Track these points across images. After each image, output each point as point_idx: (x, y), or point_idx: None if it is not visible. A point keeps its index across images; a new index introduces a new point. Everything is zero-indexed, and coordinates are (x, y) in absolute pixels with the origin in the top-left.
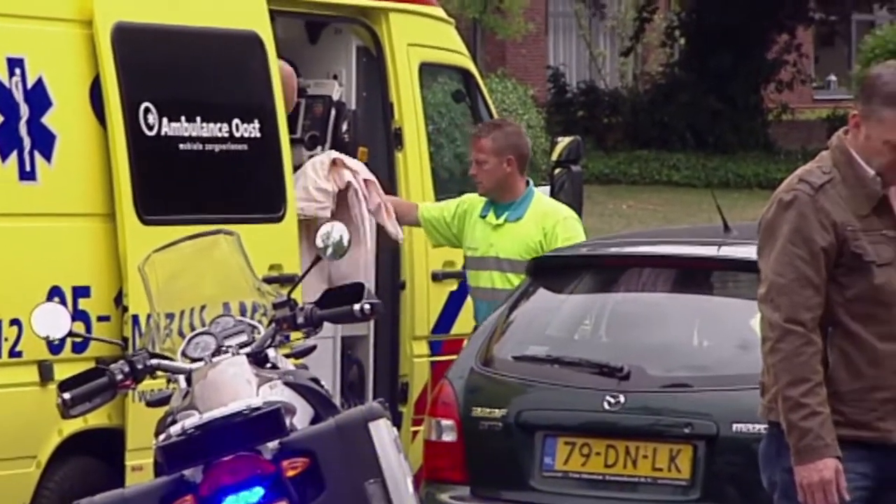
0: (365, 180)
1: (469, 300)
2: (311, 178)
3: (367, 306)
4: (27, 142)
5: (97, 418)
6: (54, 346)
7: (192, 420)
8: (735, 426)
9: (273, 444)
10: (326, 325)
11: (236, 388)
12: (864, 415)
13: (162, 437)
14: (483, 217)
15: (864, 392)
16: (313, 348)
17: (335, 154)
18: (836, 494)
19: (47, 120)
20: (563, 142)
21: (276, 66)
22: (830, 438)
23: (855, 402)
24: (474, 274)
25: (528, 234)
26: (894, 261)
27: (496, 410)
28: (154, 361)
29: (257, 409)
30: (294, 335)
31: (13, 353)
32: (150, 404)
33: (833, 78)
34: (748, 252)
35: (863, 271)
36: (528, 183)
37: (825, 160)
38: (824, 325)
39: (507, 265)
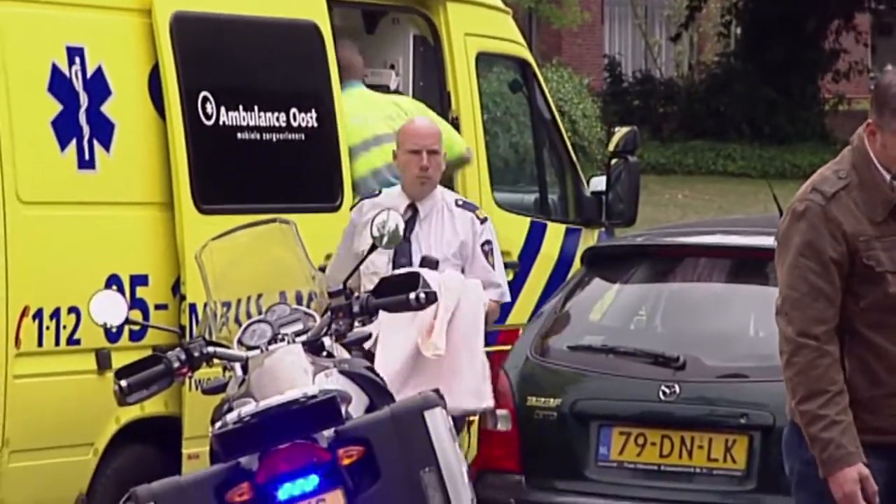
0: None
1: (525, 289)
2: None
3: (422, 295)
4: (86, 130)
5: (154, 406)
6: (112, 334)
7: (248, 408)
8: None
9: (329, 433)
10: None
11: (292, 376)
12: (885, 420)
13: (218, 424)
14: None
15: (883, 398)
16: (369, 336)
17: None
18: (861, 502)
19: (106, 109)
20: (620, 132)
21: (334, 56)
22: (854, 446)
23: (875, 409)
24: None
25: None
26: None
27: (551, 400)
28: (210, 349)
29: (313, 397)
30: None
31: (71, 341)
32: (206, 392)
33: (890, 67)
34: None
35: (876, 281)
36: None
37: (845, 161)
38: (841, 334)
39: None
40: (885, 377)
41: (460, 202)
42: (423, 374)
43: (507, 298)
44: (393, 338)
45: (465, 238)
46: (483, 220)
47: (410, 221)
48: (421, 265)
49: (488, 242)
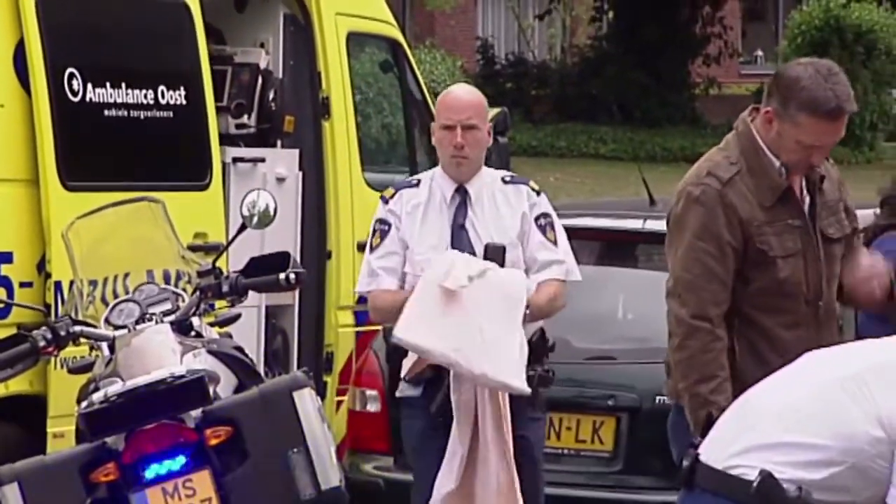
0: None
1: None
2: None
3: (292, 275)
4: None
5: (18, 385)
6: None
7: (114, 387)
8: (658, 399)
9: (196, 413)
10: (252, 293)
11: (160, 355)
12: None
13: (84, 404)
14: None
15: None
16: (238, 317)
17: None
18: None
19: None
20: (490, 113)
21: (203, 33)
22: None
23: None
24: None
25: None
26: (798, 251)
27: None
28: (77, 328)
29: (181, 377)
30: (218, 303)
31: None
32: (72, 371)
33: (760, 53)
34: None
35: (767, 265)
36: None
37: (731, 147)
38: (730, 317)
39: None
40: (773, 359)
41: (507, 178)
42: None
43: (575, 276)
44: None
45: (524, 210)
46: (539, 193)
47: (462, 207)
48: (486, 256)
49: (545, 216)
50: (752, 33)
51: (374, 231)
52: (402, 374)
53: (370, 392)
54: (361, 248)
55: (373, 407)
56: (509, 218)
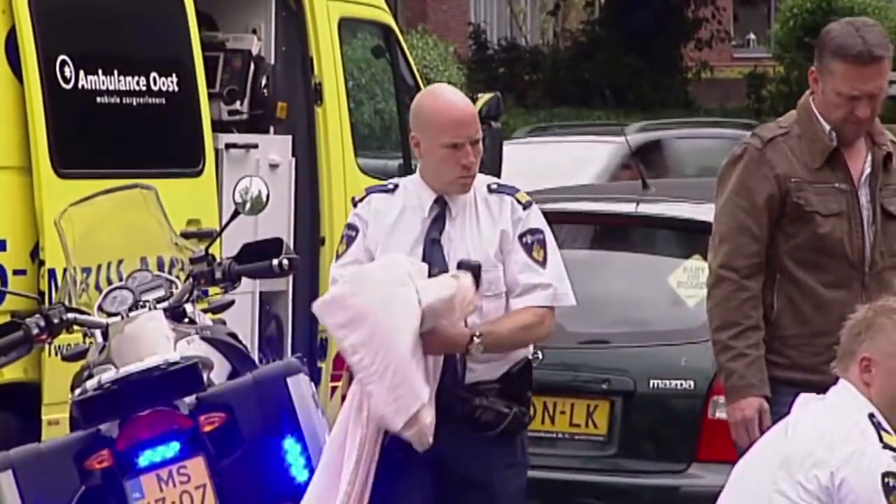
0: None
1: None
2: None
3: (285, 261)
4: None
5: (12, 372)
6: None
7: (108, 374)
8: (652, 382)
9: (190, 399)
10: (245, 280)
11: (153, 342)
12: (810, 358)
13: (78, 391)
14: None
15: (809, 337)
16: (231, 303)
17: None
18: (757, 432)
19: None
20: (483, 98)
21: (195, 20)
22: (757, 379)
23: (801, 347)
24: None
25: None
26: (842, 212)
27: None
28: (70, 315)
29: (174, 363)
30: (212, 290)
31: None
32: (66, 359)
33: (752, 36)
34: (666, 209)
35: (806, 220)
36: None
37: (790, 116)
38: (773, 272)
39: None
40: (812, 315)
41: (494, 186)
42: None
43: (568, 301)
44: None
45: (504, 227)
46: (526, 206)
47: (439, 219)
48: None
49: (532, 232)
50: (744, 17)
51: (342, 236)
52: None
53: None
54: None
55: None
56: (489, 233)
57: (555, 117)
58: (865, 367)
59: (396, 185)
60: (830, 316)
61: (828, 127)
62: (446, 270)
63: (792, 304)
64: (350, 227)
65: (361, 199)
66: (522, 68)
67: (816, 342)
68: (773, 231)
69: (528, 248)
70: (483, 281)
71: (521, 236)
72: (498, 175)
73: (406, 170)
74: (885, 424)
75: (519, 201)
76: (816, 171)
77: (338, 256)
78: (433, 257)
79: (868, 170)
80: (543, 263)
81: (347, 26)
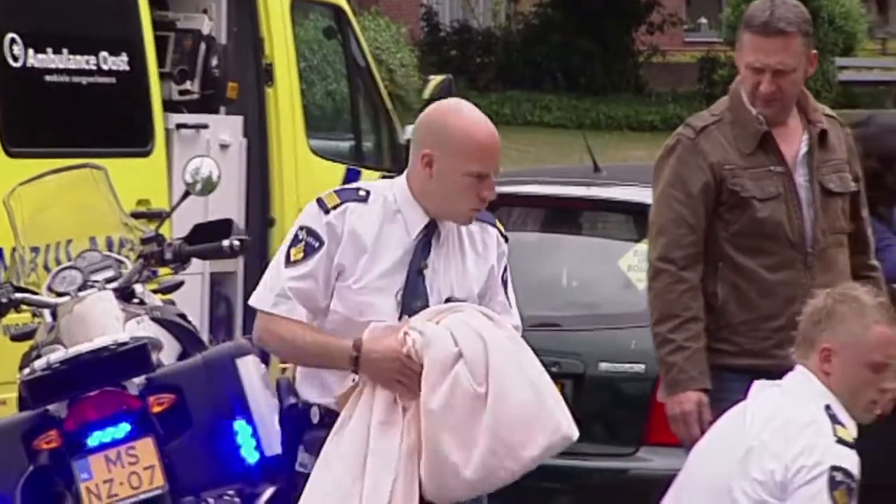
0: None
1: None
2: None
3: (235, 242)
4: None
5: None
6: None
7: (57, 355)
8: (601, 365)
9: (139, 380)
10: (195, 260)
11: (103, 323)
12: (759, 343)
13: (26, 371)
14: None
15: (757, 322)
16: (181, 284)
17: None
18: (696, 426)
19: None
20: (435, 80)
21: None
22: (697, 372)
23: (749, 333)
24: None
25: None
26: (779, 195)
27: None
28: (19, 295)
29: (123, 344)
30: (162, 270)
31: None
32: (14, 338)
33: (704, 21)
34: (617, 192)
35: (743, 206)
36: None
37: (722, 103)
38: (714, 261)
39: None
40: (758, 301)
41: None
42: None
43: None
44: None
45: (493, 263)
46: (507, 238)
47: (425, 246)
48: None
49: (506, 268)
50: (696, 1)
51: (299, 240)
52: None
53: None
54: None
55: None
56: (474, 268)
57: (506, 100)
58: (825, 357)
59: (368, 193)
60: (776, 299)
61: (755, 111)
62: (427, 305)
63: (736, 290)
64: (313, 234)
65: (335, 207)
66: (474, 51)
67: (764, 327)
68: (712, 220)
69: (505, 287)
70: None
71: (502, 274)
72: None
73: (357, 151)
74: (840, 416)
75: (501, 233)
76: (750, 156)
77: (290, 261)
78: (416, 289)
79: (805, 149)
80: (510, 301)
81: (299, 7)
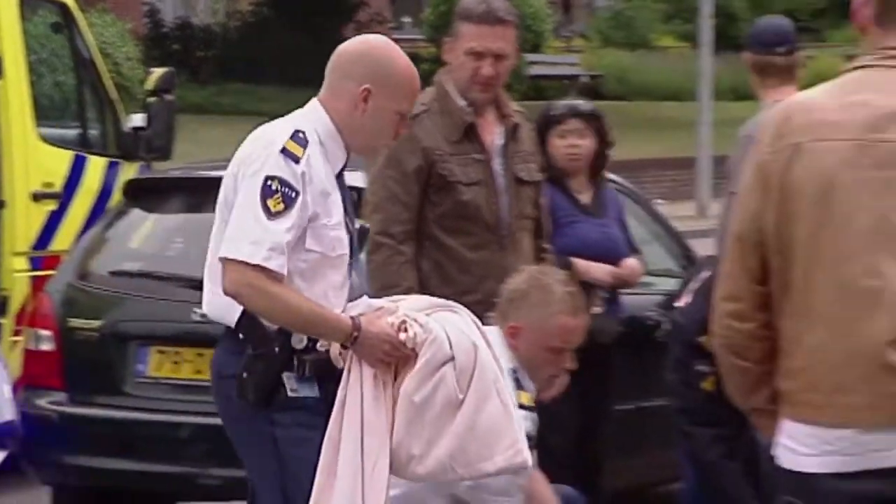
0: None
1: (67, 218)
2: None
3: None
4: None
5: None
6: None
7: None
8: None
9: None
10: None
11: None
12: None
13: None
14: None
15: (455, 296)
16: None
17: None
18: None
19: None
20: (157, 73)
21: None
22: None
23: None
24: None
25: None
26: (481, 181)
27: (92, 322)
28: None
29: None
30: None
31: None
32: None
33: (408, 19)
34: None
35: (449, 189)
36: None
37: (428, 93)
38: (421, 239)
39: None
40: (457, 276)
41: None
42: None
43: None
44: None
45: None
46: None
47: (340, 177)
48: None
49: None
50: (400, 2)
51: (273, 190)
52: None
53: (44, 332)
54: (35, 197)
55: (47, 346)
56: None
57: (225, 92)
58: (513, 333)
59: (305, 134)
60: (474, 275)
61: (462, 103)
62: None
63: (439, 267)
64: (287, 185)
65: (303, 156)
66: (195, 45)
67: (462, 300)
68: (422, 201)
69: None
70: None
71: None
72: (170, 143)
73: (84, 138)
74: (523, 381)
75: None
76: (456, 144)
77: (273, 213)
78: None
79: (500, 140)
80: None
81: (28, 4)
